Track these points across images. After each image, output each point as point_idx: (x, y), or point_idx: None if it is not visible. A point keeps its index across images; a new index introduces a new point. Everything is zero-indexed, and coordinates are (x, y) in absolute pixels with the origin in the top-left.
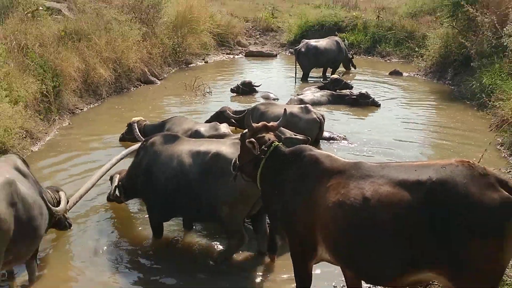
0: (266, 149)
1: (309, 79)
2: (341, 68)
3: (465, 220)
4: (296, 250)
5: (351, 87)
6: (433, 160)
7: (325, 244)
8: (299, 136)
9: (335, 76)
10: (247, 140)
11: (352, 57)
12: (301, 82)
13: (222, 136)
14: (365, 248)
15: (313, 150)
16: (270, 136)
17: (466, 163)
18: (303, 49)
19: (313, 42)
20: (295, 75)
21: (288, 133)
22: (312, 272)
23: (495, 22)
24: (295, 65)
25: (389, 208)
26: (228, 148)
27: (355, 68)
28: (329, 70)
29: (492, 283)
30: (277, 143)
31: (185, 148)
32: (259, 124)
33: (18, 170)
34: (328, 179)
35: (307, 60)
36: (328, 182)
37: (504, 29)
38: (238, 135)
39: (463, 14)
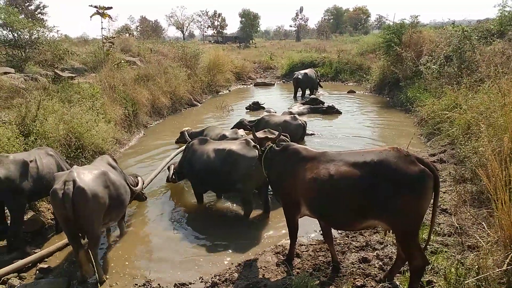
0: (264, 149)
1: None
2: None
3: (396, 184)
4: (287, 208)
5: (323, 103)
6: (374, 148)
7: (305, 204)
8: (282, 137)
9: (313, 96)
10: (253, 145)
11: (320, 81)
12: (299, 99)
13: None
14: (331, 206)
15: (295, 145)
16: (268, 142)
17: (396, 148)
18: (300, 76)
19: (303, 71)
20: (295, 94)
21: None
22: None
23: (414, 56)
24: (295, 88)
25: (346, 180)
26: (237, 146)
27: (321, 87)
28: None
29: (416, 224)
30: (271, 145)
31: (211, 147)
32: (263, 136)
33: (109, 164)
34: (306, 163)
35: (304, 83)
36: (306, 165)
37: (420, 60)
38: (247, 137)
39: (393, 52)
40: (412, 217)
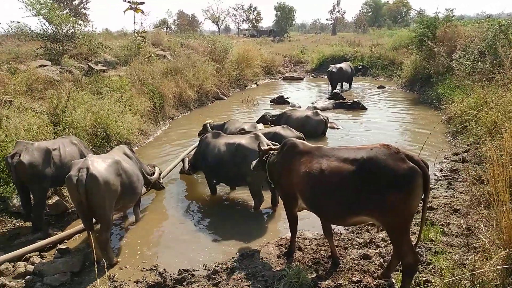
0: (267, 156)
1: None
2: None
3: (385, 180)
4: (286, 201)
5: (344, 98)
6: (366, 145)
7: (301, 197)
8: (298, 133)
9: (335, 91)
10: (260, 157)
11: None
12: (329, 93)
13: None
14: (323, 200)
15: (293, 140)
16: (271, 150)
17: (386, 146)
18: (334, 70)
19: (338, 65)
20: (329, 88)
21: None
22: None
23: (447, 51)
24: (329, 82)
25: (336, 175)
26: (246, 140)
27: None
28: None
29: (405, 222)
30: (271, 152)
31: (222, 141)
32: (267, 148)
33: (125, 154)
34: (301, 157)
35: (337, 76)
36: (301, 159)
37: (452, 55)
38: (257, 131)
39: (426, 47)
40: (401, 214)
